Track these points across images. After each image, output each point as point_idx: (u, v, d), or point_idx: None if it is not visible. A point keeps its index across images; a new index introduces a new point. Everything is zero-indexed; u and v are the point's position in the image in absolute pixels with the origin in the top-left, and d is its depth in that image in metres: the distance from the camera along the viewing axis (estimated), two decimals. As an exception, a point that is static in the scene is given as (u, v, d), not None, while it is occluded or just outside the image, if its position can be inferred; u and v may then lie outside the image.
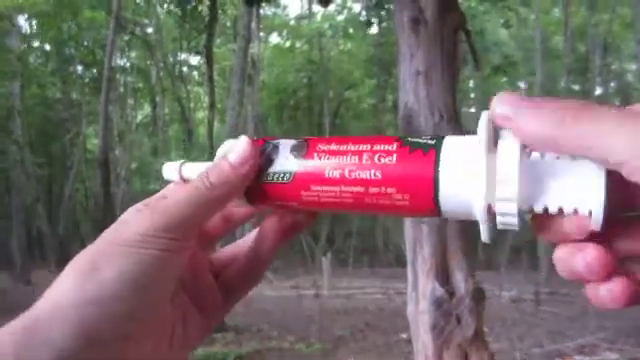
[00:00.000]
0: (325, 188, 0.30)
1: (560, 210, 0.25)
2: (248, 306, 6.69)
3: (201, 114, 14.71)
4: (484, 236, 0.27)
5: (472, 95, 15.66)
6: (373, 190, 0.29)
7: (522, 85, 16.33)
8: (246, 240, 0.37)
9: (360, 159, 0.30)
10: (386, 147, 0.29)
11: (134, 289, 0.28)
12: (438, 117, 2.20)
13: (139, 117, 15.70)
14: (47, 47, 13.60)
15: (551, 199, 0.25)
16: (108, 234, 0.30)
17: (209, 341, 4.98)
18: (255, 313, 6.53)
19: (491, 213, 0.26)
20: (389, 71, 13.11)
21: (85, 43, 13.02)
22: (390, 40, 11.74)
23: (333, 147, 0.31)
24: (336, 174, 0.30)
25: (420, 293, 2.17)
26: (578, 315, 5.49)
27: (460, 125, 2.27)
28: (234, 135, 0.36)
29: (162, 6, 10.75)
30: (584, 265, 0.25)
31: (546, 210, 0.26)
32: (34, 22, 12.96)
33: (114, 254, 0.28)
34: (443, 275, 2.13)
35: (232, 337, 5.26)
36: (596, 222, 0.24)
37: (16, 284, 9.64)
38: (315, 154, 0.31)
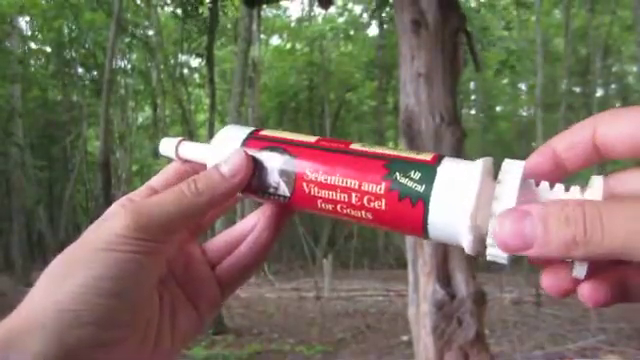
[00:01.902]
0: (320, 209, 0.31)
1: None
2: (249, 308, 6.69)
3: (202, 116, 14.71)
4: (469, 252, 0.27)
5: (473, 97, 15.65)
6: (366, 221, 0.30)
7: (523, 87, 16.34)
8: (239, 229, 0.37)
9: (349, 198, 0.29)
10: (374, 188, 0.29)
11: (107, 295, 0.27)
12: (439, 119, 2.20)
13: (140, 119, 15.70)
14: (48, 49, 13.62)
15: None
16: (87, 234, 0.29)
17: (210, 343, 4.98)
18: (256, 315, 6.53)
19: (481, 241, 0.26)
20: (390, 73, 13.12)
21: (86, 45, 13.02)
22: (391, 42, 11.75)
23: (321, 178, 0.30)
24: (328, 207, 0.30)
25: (421, 295, 2.17)
26: (579, 317, 5.48)
27: (460, 127, 2.27)
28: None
29: (163, 8, 10.76)
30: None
31: None
32: (35, 24, 12.96)
33: (86, 258, 0.28)
34: (444, 277, 2.13)
35: (233, 339, 5.26)
36: (579, 273, 0.24)
37: (17, 286, 9.64)
38: (304, 184, 0.31)
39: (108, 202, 8.54)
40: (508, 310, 6.11)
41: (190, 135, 12.61)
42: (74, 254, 0.28)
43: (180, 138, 0.35)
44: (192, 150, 0.35)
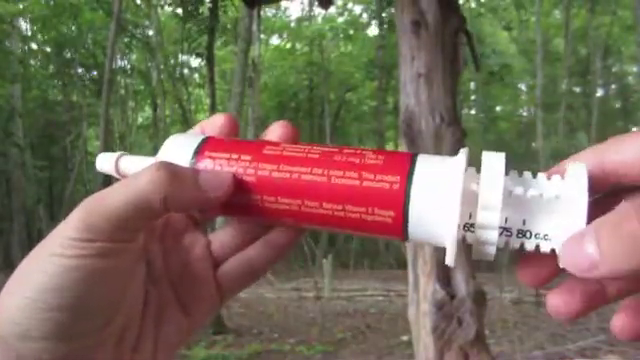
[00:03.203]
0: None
1: (537, 248, 0.24)
2: (249, 308, 6.69)
3: (202, 116, 14.71)
4: (449, 260, 0.26)
5: (473, 97, 15.65)
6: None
7: (523, 87, 16.34)
8: (246, 228, 0.32)
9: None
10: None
11: (55, 307, 0.24)
12: (439, 119, 2.20)
13: (140, 119, 15.71)
14: (47, 49, 13.62)
15: (529, 238, 0.24)
16: (48, 235, 0.25)
17: (210, 343, 4.98)
18: (256, 315, 6.52)
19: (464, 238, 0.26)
20: (390, 73, 13.11)
21: (85, 45, 13.03)
22: (391, 42, 11.75)
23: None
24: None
25: (421, 295, 2.17)
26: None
27: (461, 127, 2.27)
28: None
29: (163, 8, 10.76)
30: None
31: (522, 246, 0.25)
32: (35, 24, 12.97)
33: (37, 265, 0.24)
34: (444, 277, 2.13)
35: (232, 339, 5.26)
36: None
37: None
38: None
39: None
40: (508, 310, 6.11)
41: (190, 135, 12.59)
42: (31, 259, 0.25)
43: (120, 153, 0.31)
44: (135, 165, 0.30)
